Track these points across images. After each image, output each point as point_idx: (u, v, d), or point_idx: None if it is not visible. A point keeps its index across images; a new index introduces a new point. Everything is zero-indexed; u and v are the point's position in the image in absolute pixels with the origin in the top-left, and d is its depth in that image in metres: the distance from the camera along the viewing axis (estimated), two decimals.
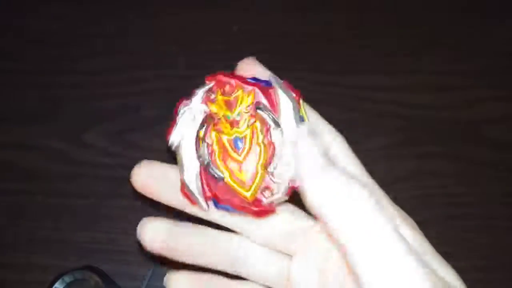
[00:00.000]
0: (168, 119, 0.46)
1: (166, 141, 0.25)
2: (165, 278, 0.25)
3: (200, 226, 0.25)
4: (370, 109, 0.44)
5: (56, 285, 0.35)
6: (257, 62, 0.25)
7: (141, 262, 0.37)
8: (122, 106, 0.44)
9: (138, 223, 0.40)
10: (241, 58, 0.50)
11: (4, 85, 0.46)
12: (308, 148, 0.21)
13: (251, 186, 0.23)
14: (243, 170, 0.23)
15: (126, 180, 0.40)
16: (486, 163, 0.41)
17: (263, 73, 0.24)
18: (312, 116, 0.24)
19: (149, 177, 0.26)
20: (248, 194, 0.23)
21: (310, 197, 0.20)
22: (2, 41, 0.49)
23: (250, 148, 0.23)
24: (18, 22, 0.50)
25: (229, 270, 0.25)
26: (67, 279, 0.35)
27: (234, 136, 0.23)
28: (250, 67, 0.25)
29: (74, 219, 0.39)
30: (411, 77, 0.46)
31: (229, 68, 0.48)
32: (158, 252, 0.25)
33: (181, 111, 0.24)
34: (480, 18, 0.50)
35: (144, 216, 0.39)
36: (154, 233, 0.25)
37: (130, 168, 0.41)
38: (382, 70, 0.47)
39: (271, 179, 0.23)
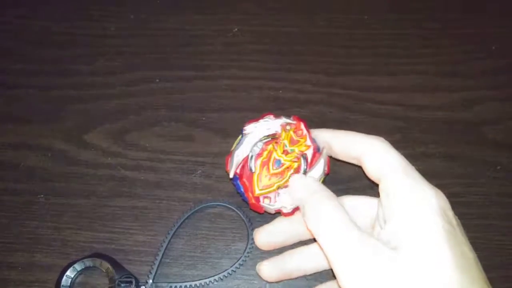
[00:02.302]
0: (168, 119, 0.46)
1: (242, 128, 0.35)
2: (256, 267, 0.35)
3: (293, 249, 0.35)
4: (369, 110, 0.45)
5: (68, 273, 0.36)
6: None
7: (142, 261, 0.37)
8: (123, 107, 0.45)
9: (139, 222, 0.41)
10: (241, 59, 0.51)
11: (5, 85, 0.46)
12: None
13: (263, 189, 0.33)
14: (267, 178, 0.33)
15: (127, 180, 0.41)
16: (484, 163, 0.42)
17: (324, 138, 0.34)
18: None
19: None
20: (257, 191, 0.33)
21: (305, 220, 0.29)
22: (2, 41, 0.49)
23: (281, 172, 0.33)
24: (19, 22, 0.50)
25: None
26: (78, 267, 0.36)
27: (279, 158, 0.34)
28: (319, 133, 0.34)
29: (75, 218, 0.39)
30: (410, 77, 0.46)
31: (228, 68, 0.49)
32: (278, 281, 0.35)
33: (265, 118, 0.35)
34: (480, 19, 0.50)
35: (147, 215, 0.39)
36: (269, 273, 0.34)
37: (130, 168, 0.42)
38: (381, 70, 0.47)
39: (275, 196, 0.34)
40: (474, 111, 0.44)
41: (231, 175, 0.34)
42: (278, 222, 0.35)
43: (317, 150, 0.34)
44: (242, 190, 0.34)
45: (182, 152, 0.42)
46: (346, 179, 0.41)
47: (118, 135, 0.43)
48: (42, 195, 0.40)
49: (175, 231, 0.38)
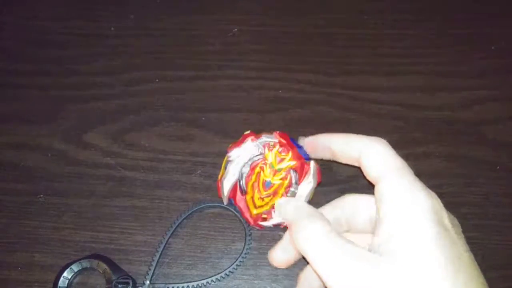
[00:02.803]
0: (168, 119, 0.46)
1: (227, 153, 0.35)
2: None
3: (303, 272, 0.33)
4: (369, 110, 0.45)
5: (65, 274, 0.36)
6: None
7: (141, 261, 0.37)
8: (122, 107, 0.45)
9: (139, 222, 0.41)
10: (241, 59, 0.51)
11: (5, 85, 0.46)
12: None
13: (258, 209, 0.34)
14: (261, 200, 0.34)
15: (127, 180, 0.41)
16: (484, 163, 0.42)
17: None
18: None
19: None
20: (254, 212, 0.35)
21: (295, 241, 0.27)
22: (2, 41, 0.49)
23: (273, 192, 0.34)
24: (18, 22, 0.50)
25: None
26: (75, 268, 0.36)
27: (268, 179, 0.34)
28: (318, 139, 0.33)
29: (75, 218, 0.39)
30: (409, 77, 0.46)
31: (228, 68, 0.49)
32: None
33: (247, 140, 0.34)
34: (480, 19, 0.50)
35: (147, 215, 0.39)
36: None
37: (130, 168, 0.42)
38: (381, 70, 0.47)
39: (271, 212, 0.34)
40: (474, 111, 0.44)
41: (225, 202, 0.36)
42: (288, 235, 0.34)
43: (306, 160, 0.34)
44: (238, 211, 0.36)
45: (181, 152, 0.42)
46: (346, 179, 0.41)
47: (117, 135, 0.43)
48: (42, 195, 0.40)
49: (172, 232, 0.38)
